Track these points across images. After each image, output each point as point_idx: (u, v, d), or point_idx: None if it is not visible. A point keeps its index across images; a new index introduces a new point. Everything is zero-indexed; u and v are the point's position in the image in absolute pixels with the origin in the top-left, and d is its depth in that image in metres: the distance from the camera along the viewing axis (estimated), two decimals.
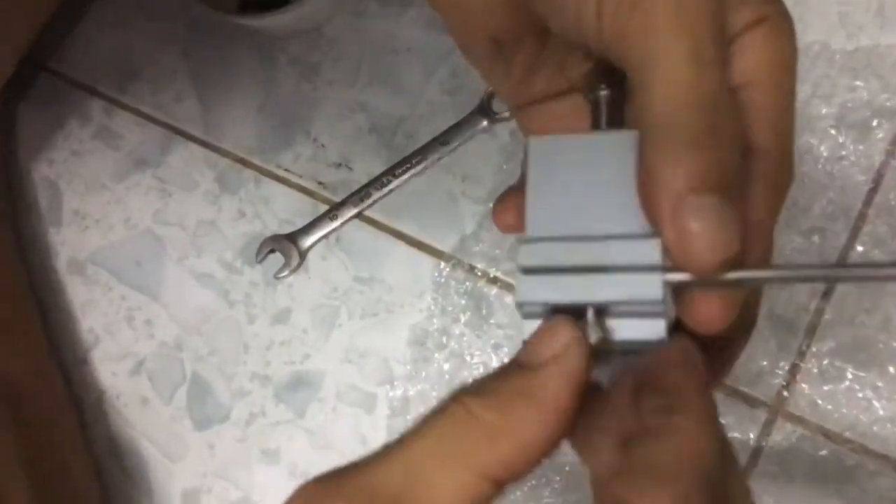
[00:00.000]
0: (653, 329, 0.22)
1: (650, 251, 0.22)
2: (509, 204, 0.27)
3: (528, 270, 0.23)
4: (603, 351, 0.22)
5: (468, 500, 0.19)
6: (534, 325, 0.23)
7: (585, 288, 0.22)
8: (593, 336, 0.22)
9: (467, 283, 0.49)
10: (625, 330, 0.22)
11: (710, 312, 0.22)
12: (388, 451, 0.20)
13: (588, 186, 0.24)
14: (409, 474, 0.19)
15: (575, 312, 0.22)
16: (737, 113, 0.22)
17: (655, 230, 0.21)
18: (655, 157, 0.21)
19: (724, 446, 0.19)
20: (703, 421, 0.19)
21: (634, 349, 0.22)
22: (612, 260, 0.22)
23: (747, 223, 0.22)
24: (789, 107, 0.24)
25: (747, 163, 0.23)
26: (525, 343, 0.22)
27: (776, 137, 0.23)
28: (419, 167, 0.51)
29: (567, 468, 0.46)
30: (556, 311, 0.23)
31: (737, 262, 0.21)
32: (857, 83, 0.47)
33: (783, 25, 0.23)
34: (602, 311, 0.22)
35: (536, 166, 0.25)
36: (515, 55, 0.28)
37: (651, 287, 0.22)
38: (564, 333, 0.21)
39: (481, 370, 0.48)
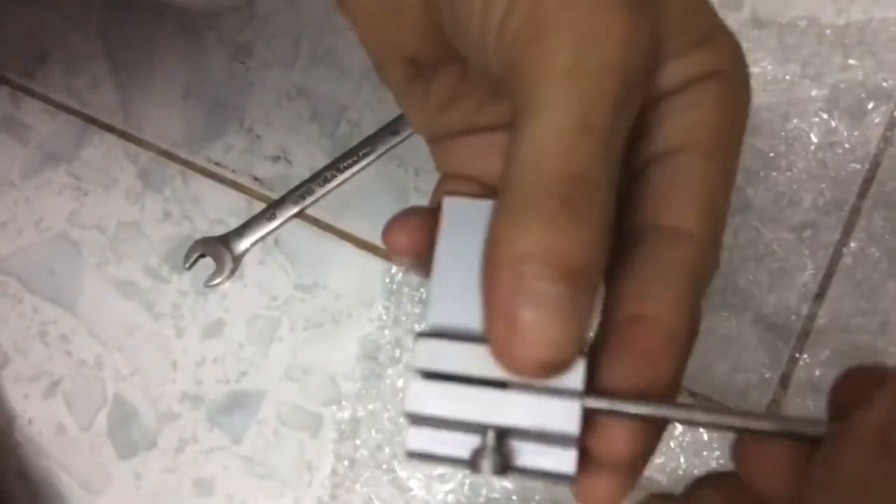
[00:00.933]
0: (561, 461, 0.19)
1: (575, 373, 0.19)
2: (407, 223, 0.24)
3: (426, 374, 0.19)
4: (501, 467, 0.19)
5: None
6: (422, 435, 0.20)
7: (490, 408, 0.19)
8: (489, 464, 0.19)
9: (422, 290, 0.44)
10: (529, 457, 0.19)
11: (616, 440, 0.20)
12: None
13: None
14: None
15: (474, 429, 0.19)
16: (614, 194, 0.18)
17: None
18: (500, 221, 0.17)
19: None
20: None
21: (537, 477, 0.20)
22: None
23: (659, 324, 0.19)
24: (725, 182, 0.20)
25: (662, 247, 0.20)
26: None
27: (702, 218, 0.20)
28: (367, 160, 0.46)
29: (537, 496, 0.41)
30: (457, 426, 0.19)
31: (563, 368, 0.17)
32: (851, 62, 0.43)
33: (735, 84, 0.20)
34: (505, 432, 0.19)
35: (448, 234, 0.21)
36: (433, 82, 0.24)
37: (568, 417, 0.19)
38: None
39: None
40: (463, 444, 0.20)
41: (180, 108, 0.48)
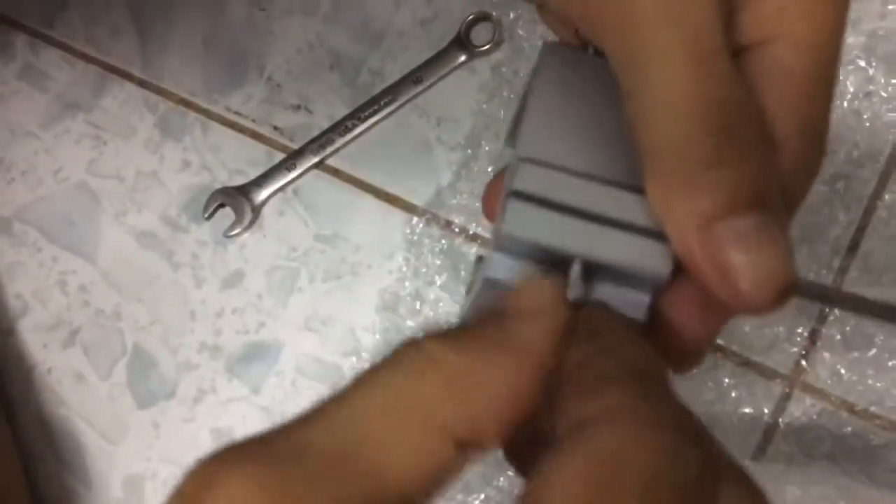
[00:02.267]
0: (634, 305, 0.19)
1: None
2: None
3: (522, 196, 0.19)
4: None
5: (428, 465, 0.15)
6: (504, 261, 0.19)
7: (585, 239, 0.19)
8: (573, 294, 0.19)
9: (443, 241, 0.43)
10: (604, 295, 0.19)
11: (688, 322, 0.19)
12: (328, 403, 0.15)
13: (602, 120, 0.20)
14: (354, 431, 0.15)
15: (558, 259, 0.19)
16: (754, 104, 0.17)
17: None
18: (664, 190, 0.17)
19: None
20: (641, 347, 0.17)
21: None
22: (621, 214, 0.19)
23: None
24: (827, 79, 0.18)
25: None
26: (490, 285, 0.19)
27: (801, 122, 0.18)
28: (388, 109, 0.45)
29: None
30: (543, 255, 0.19)
31: (794, 288, 0.17)
32: (890, 7, 0.41)
33: None
34: (590, 268, 0.19)
35: (544, 76, 0.20)
36: None
37: (659, 259, 0.19)
38: (550, 289, 0.18)
39: None
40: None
41: (200, 57, 0.47)
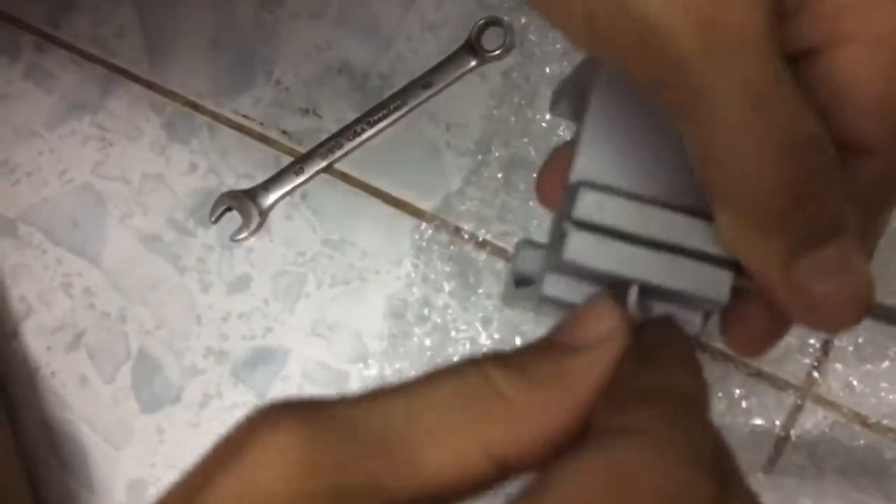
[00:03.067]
0: (687, 322, 0.20)
1: None
2: (559, 167, 0.22)
3: (583, 225, 0.19)
4: None
5: (465, 476, 0.16)
6: (558, 281, 0.20)
7: (645, 265, 0.19)
8: (630, 317, 0.19)
9: (452, 248, 0.43)
10: (658, 311, 0.20)
11: (753, 334, 0.21)
12: (386, 392, 0.16)
13: (659, 141, 0.20)
14: (406, 425, 0.15)
15: (619, 282, 0.19)
16: (824, 130, 0.16)
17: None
18: (738, 227, 0.17)
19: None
20: (690, 369, 0.17)
21: None
22: (681, 240, 0.19)
23: None
24: None
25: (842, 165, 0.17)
26: (562, 321, 0.18)
27: (886, 125, 0.17)
28: (397, 114, 0.45)
29: None
30: (600, 279, 0.20)
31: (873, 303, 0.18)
32: None
33: None
34: (648, 290, 0.19)
35: (603, 91, 0.20)
36: None
37: (719, 285, 0.19)
38: (612, 316, 0.18)
39: (468, 346, 0.42)
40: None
41: (207, 59, 0.47)
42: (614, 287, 0.19)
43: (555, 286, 0.20)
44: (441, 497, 0.15)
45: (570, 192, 0.20)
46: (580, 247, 0.19)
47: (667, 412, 0.16)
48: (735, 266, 0.19)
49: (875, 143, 0.17)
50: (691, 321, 0.20)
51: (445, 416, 0.16)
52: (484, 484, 0.16)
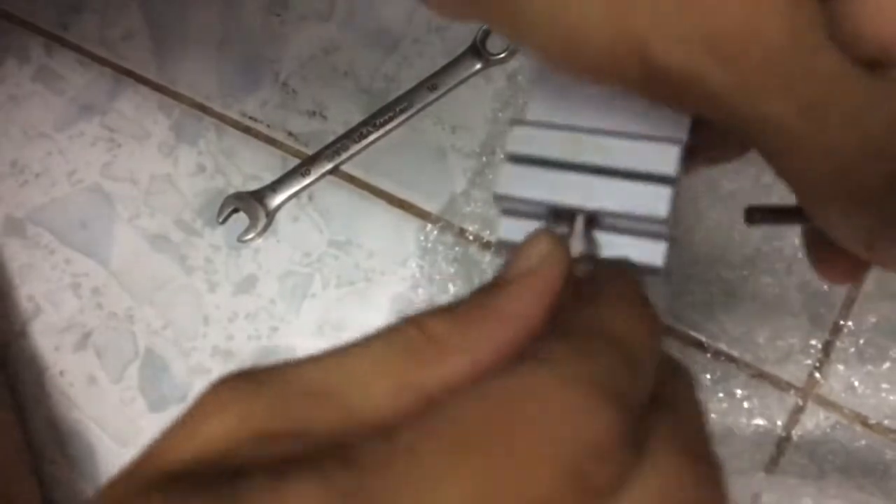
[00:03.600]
0: (650, 253, 0.19)
1: (666, 158, 0.19)
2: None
3: (517, 158, 0.19)
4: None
5: (398, 415, 0.16)
6: (512, 224, 0.20)
7: (579, 191, 0.19)
8: (577, 249, 0.19)
9: (457, 249, 0.44)
10: (616, 247, 0.20)
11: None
12: (323, 354, 0.17)
13: (595, 91, 0.20)
14: (341, 374, 0.16)
15: (563, 216, 0.19)
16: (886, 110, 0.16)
17: (677, 136, 0.19)
18: (834, 221, 0.19)
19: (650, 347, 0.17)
20: (629, 311, 0.17)
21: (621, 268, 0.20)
22: (616, 161, 0.19)
23: None
24: None
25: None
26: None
27: None
28: (403, 116, 0.45)
29: None
30: (546, 214, 0.20)
31: None
32: None
33: None
34: (594, 220, 0.19)
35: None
36: None
37: (657, 201, 0.19)
38: (544, 245, 0.18)
39: None
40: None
41: (215, 61, 0.47)
42: (560, 221, 0.19)
43: (509, 230, 0.20)
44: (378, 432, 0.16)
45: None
46: (512, 180, 0.19)
47: (583, 347, 0.15)
48: (671, 181, 0.19)
49: None
50: (652, 252, 0.19)
51: (377, 365, 0.16)
52: (401, 416, 0.16)
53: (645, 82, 0.16)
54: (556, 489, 0.14)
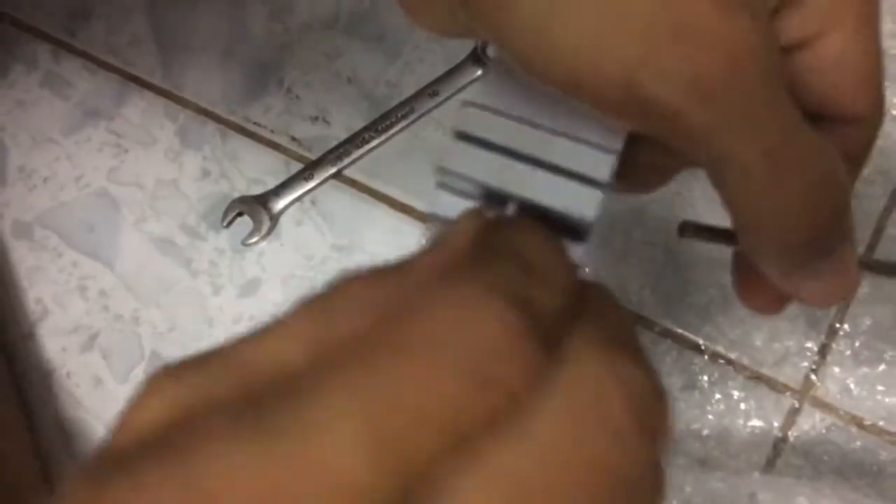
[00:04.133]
0: (572, 247, 0.20)
1: (600, 165, 0.20)
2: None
3: (464, 137, 0.20)
4: None
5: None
6: (448, 199, 0.21)
7: (518, 179, 0.20)
8: None
9: None
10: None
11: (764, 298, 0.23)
12: (265, 328, 0.17)
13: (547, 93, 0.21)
14: (266, 353, 0.16)
15: (496, 200, 0.20)
16: (836, 159, 0.18)
17: (613, 146, 0.20)
18: (755, 255, 0.20)
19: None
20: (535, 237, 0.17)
21: None
22: (556, 159, 0.20)
23: None
24: (879, 53, 0.20)
25: (829, 134, 0.20)
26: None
27: (876, 96, 0.20)
28: (405, 121, 0.46)
29: None
30: (481, 195, 0.20)
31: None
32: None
33: None
34: (527, 208, 0.20)
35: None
36: None
37: (588, 204, 0.20)
38: (469, 223, 0.17)
39: None
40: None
41: (220, 67, 0.48)
42: (493, 204, 0.20)
43: (444, 205, 0.21)
44: None
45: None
46: (456, 156, 0.20)
47: (484, 263, 0.15)
48: (603, 187, 0.20)
49: (863, 112, 0.20)
50: (574, 246, 0.20)
51: (288, 327, 0.16)
52: None
53: (622, 106, 0.17)
54: (460, 395, 0.13)
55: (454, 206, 0.20)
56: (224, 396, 0.15)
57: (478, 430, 0.13)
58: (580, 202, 0.20)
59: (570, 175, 0.20)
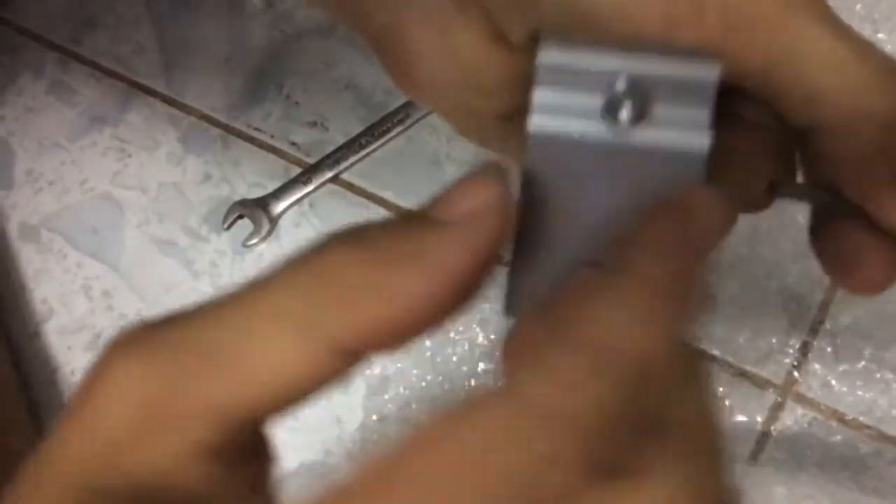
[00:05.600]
0: (694, 135, 0.18)
1: (705, 65, 0.18)
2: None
3: (551, 43, 0.18)
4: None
5: (308, 371, 0.15)
6: (544, 94, 0.18)
7: (627, 57, 0.18)
8: (626, 110, 0.18)
9: None
10: (658, 137, 0.18)
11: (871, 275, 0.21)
12: (224, 301, 0.15)
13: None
14: (241, 330, 0.15)
15: (606, 82, 0.18)
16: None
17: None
18: (851, 166, 0.20)
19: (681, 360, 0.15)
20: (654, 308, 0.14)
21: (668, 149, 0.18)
22: (657, 47, 0.19)
23: None
24: None
25: None
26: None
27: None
28: (400, 127, 0.47)
29: None
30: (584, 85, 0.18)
31: None
32: (880, 36, 0.43)
33: None
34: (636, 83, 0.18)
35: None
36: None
37: (707, 63, 0.18)
38: (490, 190, 0.16)
39: (466, 347, 0.45)
40: (591, 105, 0.18)
41: (222, 75, 0.50)
42: (602, 91, 0.18)
43: (542, 118, 0.18)
44: (283, 400, 0.15)
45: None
46: (552, 49, 0.18)
47: (567, 369, 0.14)
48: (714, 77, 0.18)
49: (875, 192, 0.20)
50: (698, 134, 0.18)
51: (281, 317, 0.15)
52: (329, 376, 0.15)
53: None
54: None
55: (556, 114, 0.18)
56: (202, 406, 0.14)
57: None
58: (699, 63, 0.18)
59: (679, 50, 0.18)
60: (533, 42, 0.19)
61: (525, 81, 0.19)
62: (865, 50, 0.19)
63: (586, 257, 0.18)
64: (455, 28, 0.21)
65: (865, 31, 0.43)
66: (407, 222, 0.16)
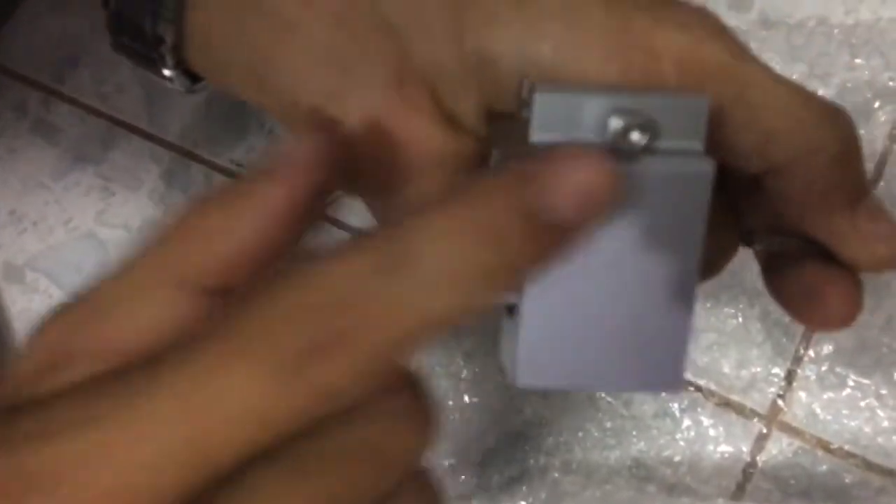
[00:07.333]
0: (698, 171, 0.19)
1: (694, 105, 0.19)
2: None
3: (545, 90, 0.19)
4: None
5: (173, 313, 0.17)
6: (542, 138, 0.19)
7: (614, 98, 0.19)
8: (637, 134, 0.18)
9: None
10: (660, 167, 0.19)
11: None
12: (114, 268, 0.18)
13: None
14: (120, 284, 0.18)
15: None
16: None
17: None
18: (806, 201, 0.21)
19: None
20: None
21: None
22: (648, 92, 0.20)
23: None
24: None
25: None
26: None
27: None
28: None
29: None
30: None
31: None
32: (858, 61, 0.43)
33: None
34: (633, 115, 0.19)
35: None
36: None
37: (698, 100, 0.19)
38: (309, 139, 0.18)
39: (445, 382, 0.44)
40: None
41: (203, 111, 0.50)
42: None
43: (541, 132, 0.19)
44: (154, 338, 0.17)
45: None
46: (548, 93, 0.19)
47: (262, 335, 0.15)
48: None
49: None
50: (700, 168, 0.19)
51: (145, 267, 0.18)
52: (197, 313, 0.17)
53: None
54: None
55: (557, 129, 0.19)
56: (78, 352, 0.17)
57: None
58: (690, 94, 0.19)
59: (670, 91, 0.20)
60: (485, 121, 0.19)
61: (473, 163, 0.19)
62: (808, 94, 0.20)
63: (598, 301, 0.19)
64: (393, 110, 0.21)
65: (843, 56, 0.43)
66: (248, 174, 0.19)
